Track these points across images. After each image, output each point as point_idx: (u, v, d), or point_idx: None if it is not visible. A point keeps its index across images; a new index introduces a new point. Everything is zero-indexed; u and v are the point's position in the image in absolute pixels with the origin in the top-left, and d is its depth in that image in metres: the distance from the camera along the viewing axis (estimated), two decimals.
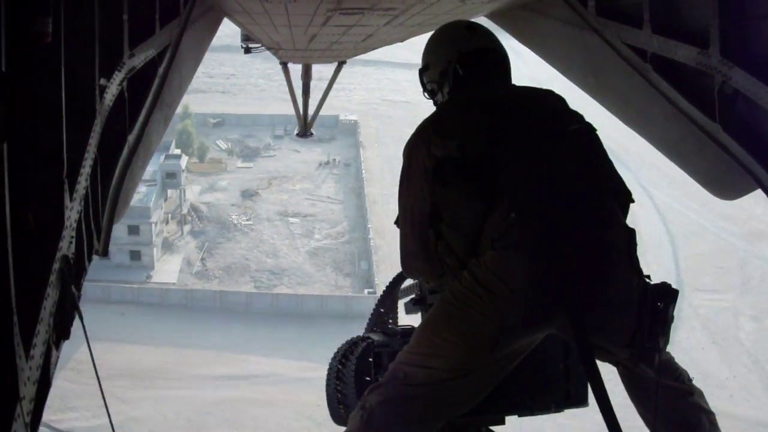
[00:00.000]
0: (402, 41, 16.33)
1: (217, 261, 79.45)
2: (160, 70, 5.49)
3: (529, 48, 8.38)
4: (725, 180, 6.26)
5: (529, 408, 5.58)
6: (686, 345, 59.29)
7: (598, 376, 4.12)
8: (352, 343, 5.37)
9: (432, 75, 5.01)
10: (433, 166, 4.36)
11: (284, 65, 19.03)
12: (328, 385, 5.35)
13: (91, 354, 4.14)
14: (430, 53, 5.05)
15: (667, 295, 4.35)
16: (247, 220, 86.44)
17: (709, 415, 4.77)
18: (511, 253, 4.11)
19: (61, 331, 3.33)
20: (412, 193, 4.52)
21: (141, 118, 5.16)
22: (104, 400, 4.11)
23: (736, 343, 64.94)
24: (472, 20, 5.30)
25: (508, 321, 4.14)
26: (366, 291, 74.28)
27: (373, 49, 16.96)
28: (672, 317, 4.35)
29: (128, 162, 5.02)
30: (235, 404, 57.62)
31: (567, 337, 4.38)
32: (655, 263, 66.20)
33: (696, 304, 67.72)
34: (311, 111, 20.08)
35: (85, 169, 3.80)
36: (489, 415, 5.62)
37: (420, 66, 5.14)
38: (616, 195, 4.47)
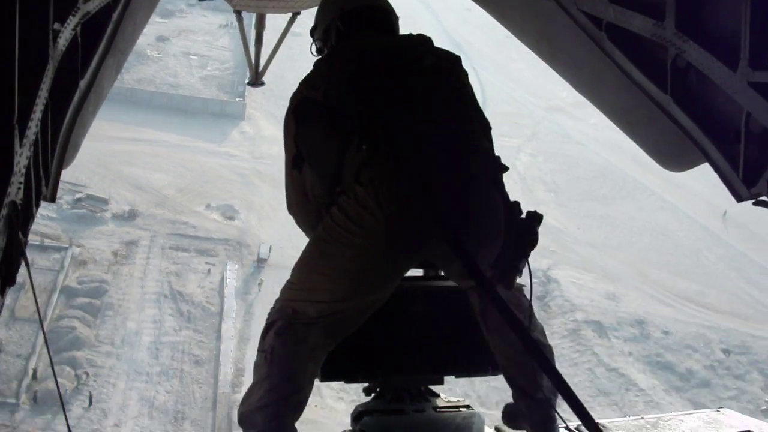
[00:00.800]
0: None
1: (132, 76, 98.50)
2: (114, 16, 5.40)
3: (484, 9, 8.35)
4: (674, 152, 6.32)
5: (465, 370, 5.66)
6: None
7: (495, 291, 4.33)
8: None
9: (319, 33, 5.29)
10: (293, 106, 4.63)
11: (238, 13, 18.79)
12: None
13: (36, 300, 4.13)
14: (318, 13, 5.38)
15: (533, 219, 4.61)
16: (158, 54, 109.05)
17: (547, 349, 5.05)
18: (376, 185, 4.31)
19: (6, 277, 3.31)
20: (286, 142, 4.76)
21: (93, 64, 5.08)
22: (50, 358, 4.10)
23: (514, 169, 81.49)
24: None
25: (380, 251, 4.39)
26: (237, 99, 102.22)
27: None
28: (536, 240, 4.60)
29: (79, 108, 4.95)
30: (133, 153, 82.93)
31: (441, 262, 4.79)
32: None
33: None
34: (263, 61, 19.84)
35: (36, 115, 3.75)
36: (428, 374, 5.70)
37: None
38: (476, 122, 4.77)
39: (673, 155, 6.52)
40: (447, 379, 5.68)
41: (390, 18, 5.29)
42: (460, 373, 5.79)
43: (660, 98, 5.60)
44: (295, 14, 18.76)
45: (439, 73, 4.86)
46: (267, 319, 4.97)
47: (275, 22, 17.95)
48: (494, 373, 5.48)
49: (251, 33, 19.46)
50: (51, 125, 4.28)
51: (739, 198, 5.09)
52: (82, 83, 4.92)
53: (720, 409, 6.62)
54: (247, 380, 43.84)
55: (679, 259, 69.63)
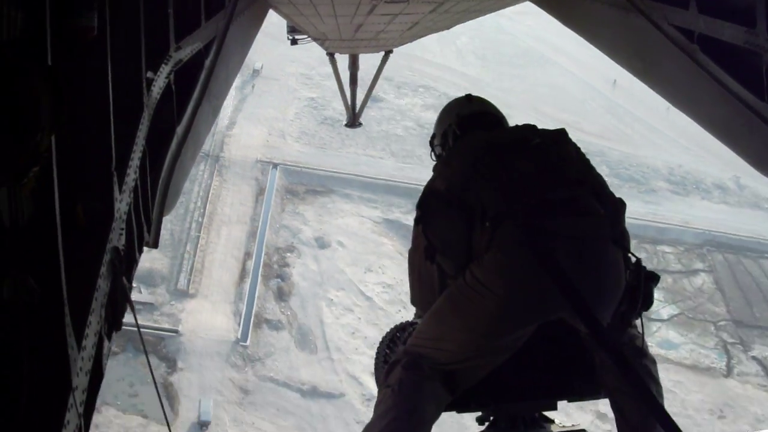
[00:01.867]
0: (448, 29, 16.27)
1: None
2: (207, 62, 5.52)
3: (575, 31, 8.31)
4: None
5: (578, 393, 5.58)
6: None
7: (622, 354, 4.50)
8: (400, 328, 5.42)
9: (438, 139, 5.75)
10: (419, 202, 4.94)
11: (331, 56, 19.02)
12: (376, 369, 5.40)
13: (143, 345, 4.20)
14: (437, 123, 5.82)
15: (650, 280, 4.89)
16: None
17: (658, 387, 5.15)
18: (502, 253, 4.52)
19: (112, 322, 3.37)
20: (415, 238, 5.10)
21: (189, 110, 5.19)
22: (153, 379, 4.16)
23: (453, 45, 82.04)
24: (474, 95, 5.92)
25: (505, 312, 4.57)
26: None
27: (420, 37, 16.94)
28: (652, 302, 4.95)
29: (177, 154, 5.05)
30: None
31: (571, 322, 4.77)
32: None
33: None
34: (359, 101, 20.01)
35: (134, 162, 3.83)
36: (540, 399, 5.63)
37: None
38: (587, 185, 4.90)
39: None
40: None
41: (498, 119, 5.69)
42: (572, 397, 5.71)
43: (758, 106, 5.49)
44: (388, 53, 18.96)
45: (546, 149, 5.08)
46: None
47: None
48: (607, 395, 5.41)
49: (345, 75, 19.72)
50: (150, 172, 4.37)
51: None
52: (179, 129, 5.02)
53: None
54: None
55: (566, 103, 75.58)
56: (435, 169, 5.20)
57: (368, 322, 43.50)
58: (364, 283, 46.22)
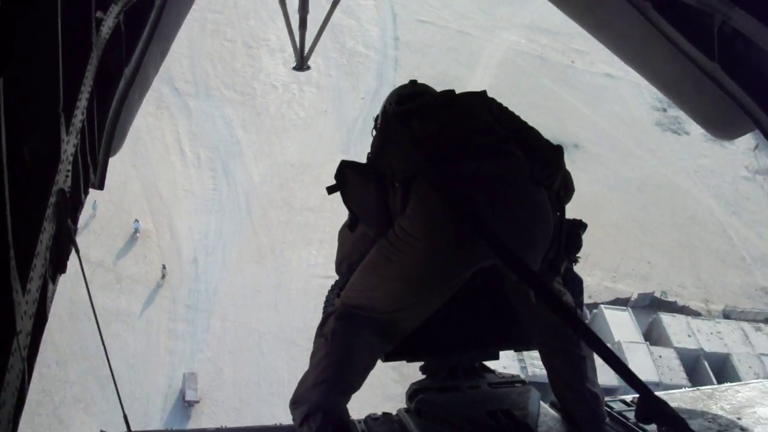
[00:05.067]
0: None
1: None
2: (158, 2, 5.43)
3: None
4: (723, 119, 6.25)
5: (523, 342, 5.67)
6: None
7: (545, 286, 4.76)
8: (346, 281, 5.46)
9: (379, 119, 5.95)
10: (336, 172, 5.01)
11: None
12: (325, 311, 5.44)
13: (87, 288, 4.18)
14: (382, 105, 6.08)
15: (578, 226, 5.21)
16: None
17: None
18: (421, 204, 4.68)
19: (57, 265, 3.34)
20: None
21: (137, 51, 5.12)
22: (101, 338, 4.14)
23: None
24: None
25: (432, 261, 4.71)
26: None
27: None
28: (580, 245, 5.21)
29: (124, 95, 4.99)
30: None
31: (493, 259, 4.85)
32: None
33: None
34: (308, 45, 19.82)
35: (82, 103, 3.77)
36: (482, 350, 5.70)
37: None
38: (503, 132, 5.05)
39: (723, 123, 6.46)
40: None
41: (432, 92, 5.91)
42: (518, 347, 5.81)
43: (707, 66, 5.53)
44: None
45: (461, 108, 5.27)
46: (324, 311, 5.36)
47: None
48: (537, 348, 5.51)
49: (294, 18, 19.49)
50: (97, 113, 4.32)
51: None
52: (127, 71, 4.96)
53: None
54: None
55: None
56: None
57: None
58: None
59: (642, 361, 52.01)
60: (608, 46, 7.49)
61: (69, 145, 3.53)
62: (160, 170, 62.59)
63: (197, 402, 46.11)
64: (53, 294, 3.29)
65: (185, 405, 45.92)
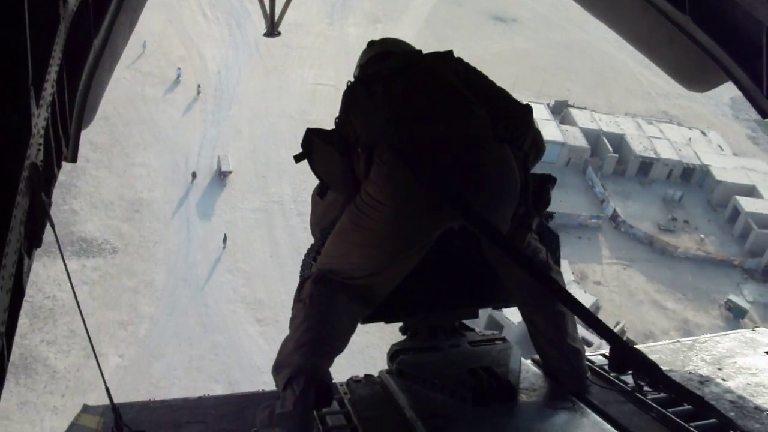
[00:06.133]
0: None
1: None
2: None
3: None
4: (696, 72, 6.26)
5: (503, 300, 5.70)
6: None
7: (512, 245, 4.79)
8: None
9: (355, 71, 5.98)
10: (302, 140, 5.06)
11: None
12: (302, 275, 5.46)
13: (64, 262, 4.16)
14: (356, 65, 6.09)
15: (547, 181, 5.31)
16: None
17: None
18: (386, 167, 4.71)
19: (32, 239, 3.33)
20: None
21: (106, 23, 5.07)
22: (80, 312, 4.13)
23: None
24: None
25: (399, 224, 4.76)
26: None
27: None
28: (549, 201, 5.31)
29: (94, 67, 4.95)
30: None
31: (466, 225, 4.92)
32: None
33: None
34: (278, 11, 19.71)
35: (51, 75, 3.74)
36: (461, 309, 5.74)
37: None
38: (466, 93, 5.06)
39: (695, 75, 6.46)
40: None
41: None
42: (497, 305, 5.84)
43: (679, 19, 5.53)
44: None
45: (424, 67, 5.29)
46: (301, 275, 5.44)
47: None
48: (517, 306, 5.53)
49: None
50: (67, 86, 4.28)
51: (765, 114, 5.04)
52: (96, 42, 4.91)
53: (756, 329, 6.61)
54: None
55: None
56: None
57: None
58: None
59: (551, 132, 75.46)
60: (579, 1, 7.47)
61: (40, 119, 3.50)
62: (189, 24, 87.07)
63: (230, 172, 66.93)
64: (29, 269, 3.27)
65: (221, 177, 66.54)
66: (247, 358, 48.08)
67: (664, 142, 79.95)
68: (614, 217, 72.07)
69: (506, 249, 4.61)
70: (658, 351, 5.96)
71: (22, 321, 43.83)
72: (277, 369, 4.89)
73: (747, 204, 72.20)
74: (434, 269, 5.35)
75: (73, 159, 4.59)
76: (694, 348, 6.07)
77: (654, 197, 75.98)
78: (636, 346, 5.52)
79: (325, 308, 4.92)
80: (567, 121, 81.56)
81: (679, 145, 79.76)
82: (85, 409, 5.09)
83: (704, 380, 5.43)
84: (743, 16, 4.96)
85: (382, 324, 5.58)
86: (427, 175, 4.56)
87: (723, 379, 5.49)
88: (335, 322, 4.95)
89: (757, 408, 5.08)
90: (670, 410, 4.92)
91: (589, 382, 5.33)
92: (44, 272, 49.07)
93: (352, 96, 5.09)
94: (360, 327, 5.21)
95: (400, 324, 5.91)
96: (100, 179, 63.05)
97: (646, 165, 77.67)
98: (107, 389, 4.57)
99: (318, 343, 4.84)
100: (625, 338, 56.57)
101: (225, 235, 59.07)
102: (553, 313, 5.27)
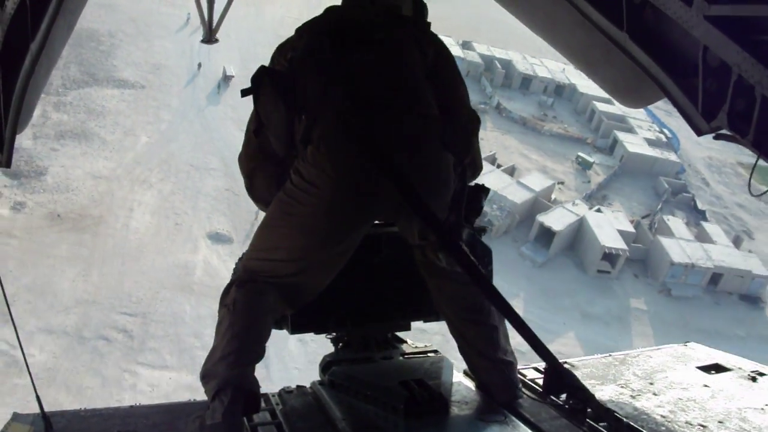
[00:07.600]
0: None
1: None
2: None
3: None
4: (633, 88, 6.33)
5: (434, 313, 5.70)
6: None
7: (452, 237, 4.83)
8: None
9: None
10: (254, 75, 4.90)
11: None
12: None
13: (5, 296, 4.10)
14: None
15: (480, 191, 5.31)
16: None
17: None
18: (324, 145, 4.64)
19: None
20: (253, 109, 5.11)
21: (43, 26, 5.00)
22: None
23: None
24: None
25: (331, 207, 4.69)
26: None
27: None
28: (481, 210, 5.31)
29: (30, 71, 4.88)
30: None
31: (394, 216, 5.05)
32: None
33: None
34: (216, 18, 19.63)
35: None
36: (393, 321, 5.75)
37: None
38: (419, 92, 4.95)
39: (632, 92, 6.54)
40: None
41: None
42: (427, 318, 5.84)
43: (616, 36, 5.59)
44: None
45: (391, 51, 5.04)
46: (230, 280, 5.20)
47: None
48: (445, 320, 5.55)
49: None
50: (2, 90, 4.22)
51: (699, 132, 5.12)
52: (33, 46, 4.84)
53: (687, 344, 6.69)
54: None
55: None
56: (295, 31, 5.18)
57: None
58: None
59: (454, 52, 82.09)
60: (515, 14, 7.52)
61: None
62: None
63: (233, 77, 77.08)
64: None
65: (226, 81, 77.55)
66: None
67: (542, 68, 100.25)
68: (497, 106, 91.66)
69: (441, 234, 4.66)
70: (590, 365, 6.00)
71: None
72: (205, 378, 4.85)
73: (601, 107, 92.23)
74: (364, 280, 5.36)
75: (8, 164, 4.52)
76: (626, 362, 6.13)
77: (532, 102, 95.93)
78: (568, 360, 5.59)
79: (249, 314, 4.88)
80: (468, 48, 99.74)
81: (555, 72, 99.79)
82: (15, 417, 5.01)
83: (636, 395, 5.48)
84: (680, 34, 5.04)
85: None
86: (371, 147, 4.54)
87: (654, 394, 5.54)
88: (260, 327, 4.93)
89: (688, 423, 5.13)
90: (601, 424, 4.97)
91: (521, 394, 5.35)
92: None
93: (314, 51, 4.92)
94: (319, 338, 5.20)
95: (332, 335, 5.90)
96: (130, 51, 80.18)
97: (527, 81, 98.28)
98: (38, 397, 4.50)
99: (243, 351, 4.80)
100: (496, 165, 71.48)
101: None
102: (486, 326, 5.26)
